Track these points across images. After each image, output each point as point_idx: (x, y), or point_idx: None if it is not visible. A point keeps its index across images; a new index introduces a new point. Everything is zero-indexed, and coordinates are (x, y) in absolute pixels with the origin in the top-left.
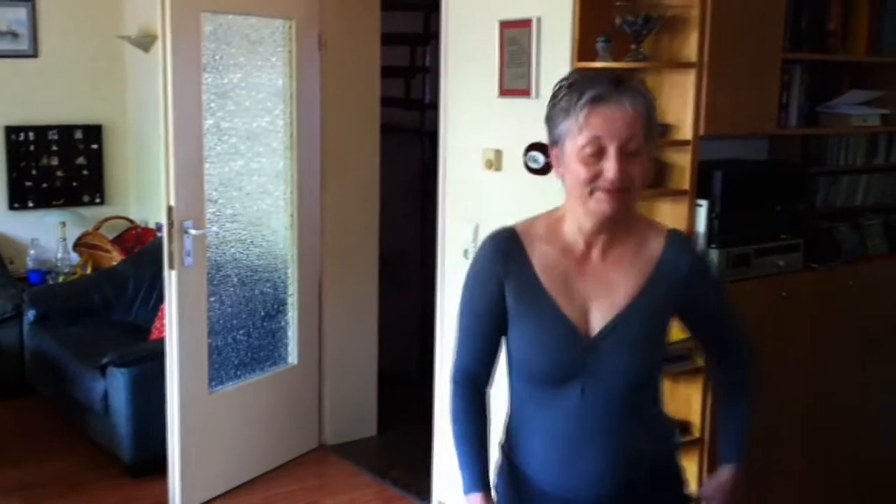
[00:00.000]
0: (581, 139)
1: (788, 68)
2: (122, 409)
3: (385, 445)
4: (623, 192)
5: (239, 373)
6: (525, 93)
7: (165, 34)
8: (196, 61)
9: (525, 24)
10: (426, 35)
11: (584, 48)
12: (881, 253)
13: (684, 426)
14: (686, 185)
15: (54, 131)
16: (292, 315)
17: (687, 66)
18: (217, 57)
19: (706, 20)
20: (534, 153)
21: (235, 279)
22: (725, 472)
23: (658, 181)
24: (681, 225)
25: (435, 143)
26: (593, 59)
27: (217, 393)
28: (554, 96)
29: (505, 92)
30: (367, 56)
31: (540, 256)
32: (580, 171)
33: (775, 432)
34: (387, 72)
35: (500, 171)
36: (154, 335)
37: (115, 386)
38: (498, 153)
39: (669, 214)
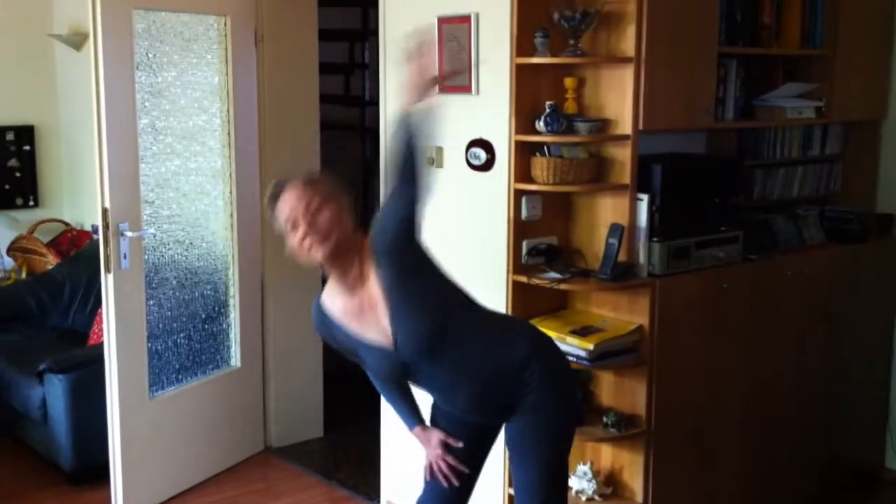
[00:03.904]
0: (284, 228)
1: (724, 62)
2: (61, 417)
3: (332, 446)
4: (322, 241)
5: (180, 377)
6: (465, 89)
7: (96, 32)
8: (128, 60)
9: (464, 20)
10: (364, 31)
11: (522, 44)
12: (817, 243)
13: (630, 419)
14: (626, 180)
15: None
16: (234, 317)
17: (624, 60)
18: (150, 55)
19: (643, 15)
20: (475, 150)
21: (174, 282)
22: None
23: (598, 176)
24: (622, 219)
25: (376, 140)
26: (531, 55)
27: (158, 398)
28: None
29: (445, 89)
30: (304, 52)
31: (335, 312)
32: (293, 244)
33: (715, 421)
34: (326, 68)
35: (442, 167)
36: (92, 340)
37: (53, 393)
38: (439, 150)
39: (610, 208)
